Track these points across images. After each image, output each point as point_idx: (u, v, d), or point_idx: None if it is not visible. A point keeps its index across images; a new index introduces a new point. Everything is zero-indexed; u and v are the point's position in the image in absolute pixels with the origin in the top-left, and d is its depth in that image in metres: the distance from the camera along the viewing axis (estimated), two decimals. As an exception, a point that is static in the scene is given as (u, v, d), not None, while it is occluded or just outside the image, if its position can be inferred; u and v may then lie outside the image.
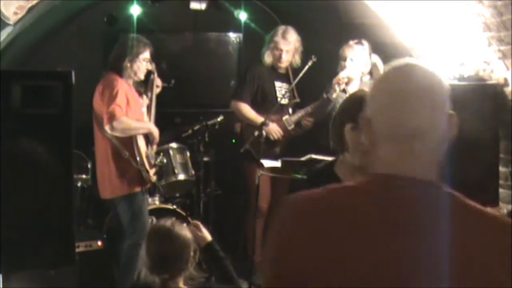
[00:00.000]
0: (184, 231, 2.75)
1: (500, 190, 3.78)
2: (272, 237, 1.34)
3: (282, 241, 1.30)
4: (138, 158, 4.24)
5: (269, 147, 5.00)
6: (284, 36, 5.01)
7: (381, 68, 4.53)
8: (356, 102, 2.52)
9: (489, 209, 1.31)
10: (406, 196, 1.27)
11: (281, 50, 5.01)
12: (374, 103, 1.35)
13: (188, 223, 4.86)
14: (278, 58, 5.04)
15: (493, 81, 3.81)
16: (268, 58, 5.09)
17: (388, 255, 1.22)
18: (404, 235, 1.23)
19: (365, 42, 4.63)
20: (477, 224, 1.27)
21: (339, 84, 4.54)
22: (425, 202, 1.27)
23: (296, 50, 5.07)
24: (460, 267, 1.21)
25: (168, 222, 2.79)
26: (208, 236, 2.87)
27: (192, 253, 2.72)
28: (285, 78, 5.21)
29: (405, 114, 1.29)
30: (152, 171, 4.36)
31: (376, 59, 4.62)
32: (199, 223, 2.95)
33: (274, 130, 5.01)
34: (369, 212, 1.26)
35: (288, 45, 5.01)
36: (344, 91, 4.60)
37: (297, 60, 5.10)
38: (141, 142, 4.30)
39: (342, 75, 4.55)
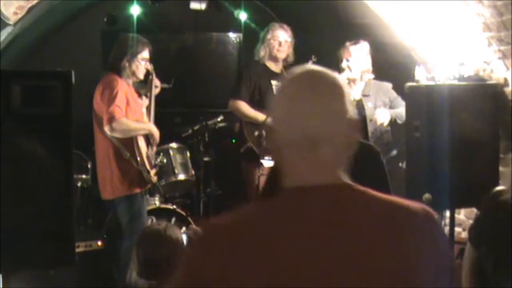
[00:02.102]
0: (177, 235, 2.64)
1: (500, 190, 3.77)
2: (185, 267, 1.32)
3: (195, 270, 1.28)
4: (138, 159, 4.23)
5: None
6: (282, 26, 5.04)
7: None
8: None
9: (407, 201, 1.31)
10: (319, 203, 1.26)
11: (280, 40, 5.00)
12: (276, 109, 1.33)
13: (189, 224, 4.87)
14: (278, 49, 5.00)
15: (493, 81, 3.82)
16: (264, 51, 5.04)
17: (310, 267, 1.21)
18: (325, 242, 1.22)
19: (362, 42, 4.63)
20: (399, 216, 1.28)
21: None
22: (339, 205, 1.27)
23: (291, 45, 5.07)
24: (390, 261, 1.21)
25: (160, 225, 2.70)
26: None
27: None
28: (280, 77, 5.19)
29: (305, 123, 1.28)
30: (152, 172, 4.36)
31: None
32: (196, 228, 2.88)
33: None
34: (284, 228, 1.24)
35: (286, 34, 5.01)
36: None
37: (291, 56, 5.10)
38: (141, 142, 4.30)
39: (341, 77, 4.57)
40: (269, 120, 1.35)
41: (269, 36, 5.03)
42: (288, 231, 1.24)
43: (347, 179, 1.31)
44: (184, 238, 2.77)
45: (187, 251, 1.36)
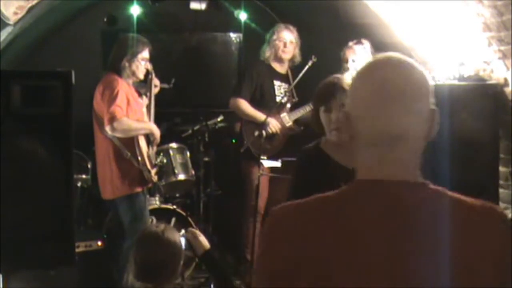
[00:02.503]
0: (175, 238, 2.61)
1: (500, 190, 3.78)
2: (260, 245, 1.35)
3: (269, 248, 1.31)
4: (139, 158, 4.24)
5: (268, 144, 5.01)
6: (287, 27, 5.07)
7: None
8: (328, 87, 2.85)
9: (477, 200, 1.30)
10: (392, 199, 1.26)
11: (285, 41, 5.05)
12: (355, 99, 1.30)
13: (190, 226, 4.86)
14: (283, 49, 5.06)
15: (493, 81, 3.81)
16: (269, 52, 5.10)
17: (377, 258, 1.21)
18: (396, 238, 1.22)
19: (365, 41, 4.65)
20: (469, 216, 1.27)
21: None
22: (413, 202, 1.26)
23: (297, 45, 5.11)
24: (457, 261, 1.21)
25: (159, 227, 2.67)
26: (206, 244, 2.75)
27: (182, 263, 2.59)
28: (284, 78, 5.23)
29: (389, 120, 1.25)
30: (153, 171, 4.36)
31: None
32: (196, 230, 2.85)
33: (273, 123, 5.03)
34: (354, 219, 1.25)
35: (291, 34, 5.06)
36: None
37: (298, 57, 5.13)
38: (142, 142, 4.30)
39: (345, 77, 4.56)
40: (347, 109, 1.32)
41: (274, 37, 5.07)
42: (358, 221, 1.24)
43: (421, 177, 1.30)
44: (183, 240, 2.76)
45: (264, 230, 1.35)
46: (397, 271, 1.21)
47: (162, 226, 2.69)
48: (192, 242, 2.73)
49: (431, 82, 1.31)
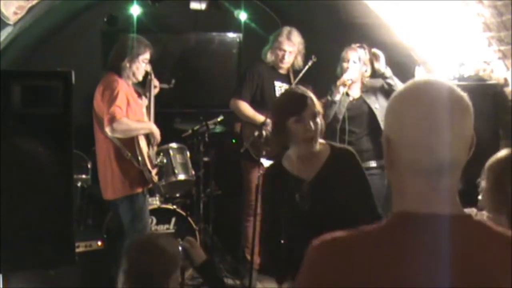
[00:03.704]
0: (165, 246, 2.49)
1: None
2: (301, 277, 1.31)
3: (310, 282, 1.28)
4: (140, 158, 4.24)
5: (267, 146, 5.01)
6: (289, 37, 5.04)
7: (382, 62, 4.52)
8: (298, 98, 2.88)
9: None
10: (438, 235, 1.22)
11: (285, 51, 5.04)
12: (399, 124, 1.25)
13: (190, 226, 4.85)
14: (281, 59, 5.07)
15: (493, 81, 3.82)
16: (270, 57, 5.11)
17: None
18: (445, 275, 1.18)
19: (366, 46, 4.64)
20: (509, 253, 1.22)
21: (344, 86, 4.54)
22: (460, 238, 1.21)
23: (299, 52, 5.09)
24: None
25: (152, 234, 2.57)
26: (202, 254, 2.70)
27: (175, 271, 2.48)
28: (285, 78, 5.23)
29: (439, 147, 1.20)
30: (154, 171, 4.36)
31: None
32: (193, 240, 2.79)
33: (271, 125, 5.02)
34: (400, 255, 1.21)
35: (292, 47, 5.04)
36: (346, 93, 4.60)
37: (299, 62, 5.12)
38: (142, 142, 4.30)
39: (347, 77, 4.54)
40: (388, 134, 1.27)
41: (276, 45, 5.06)
42: (403, 258, 1.20)
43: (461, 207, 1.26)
44: (180, 249, 2.69)
45: (305, 264, 1.30)
46: None
47: (156, 233, 2.61)
48: (189, 251, 2.66)
49: (471, 107, 1.27)
